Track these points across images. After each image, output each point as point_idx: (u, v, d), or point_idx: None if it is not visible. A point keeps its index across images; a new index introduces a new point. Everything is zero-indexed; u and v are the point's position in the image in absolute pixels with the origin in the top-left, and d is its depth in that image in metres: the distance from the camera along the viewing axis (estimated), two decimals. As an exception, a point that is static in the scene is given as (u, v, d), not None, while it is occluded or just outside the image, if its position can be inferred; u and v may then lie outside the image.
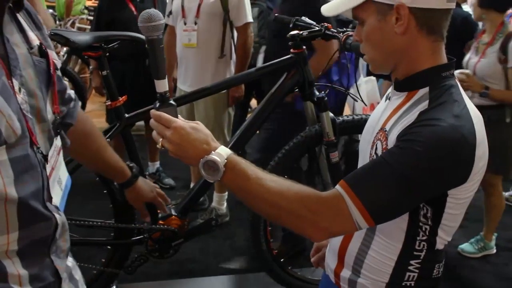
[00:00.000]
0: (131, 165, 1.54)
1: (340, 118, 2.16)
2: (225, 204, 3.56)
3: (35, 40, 1.00)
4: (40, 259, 0.97)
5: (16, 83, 0.89)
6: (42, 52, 0.99)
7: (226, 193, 3.54)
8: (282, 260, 2.21)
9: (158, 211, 1.94)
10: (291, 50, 2.12)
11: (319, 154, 2.17)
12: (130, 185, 1.55)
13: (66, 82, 1.18)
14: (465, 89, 2.79)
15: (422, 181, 1.00)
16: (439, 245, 1.13)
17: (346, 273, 1.22)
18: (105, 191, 1.93)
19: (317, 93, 2.12)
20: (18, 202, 0.87)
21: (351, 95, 2.27)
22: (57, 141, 1.06)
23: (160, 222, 1.94)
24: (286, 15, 2.35)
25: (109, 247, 2.09)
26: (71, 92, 1.21)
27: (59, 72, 1.10)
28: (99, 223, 2.02)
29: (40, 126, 0.96)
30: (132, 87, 3.34)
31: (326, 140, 2.10)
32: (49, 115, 1.00)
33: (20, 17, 0.98)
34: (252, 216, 2.13)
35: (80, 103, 1.27)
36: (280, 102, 2.16)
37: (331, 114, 2.11)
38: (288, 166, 2.13)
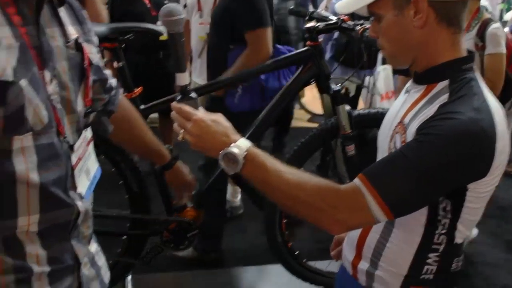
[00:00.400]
0: (170, 147, 1.59)
1: (356, 111, 2.17)
2: (239, 197, 3.58)
3: (73, 34, 1.03)
4: (60, 242, 0.99)
5: (48, 75, 0.92)
6: (78, 46, 1.02)
7: (240, 186, 3.57)
8: (297, 252, 2.22)
9: (173, 202, 1.97)
10: (308, 43, 2.14)
11: (335, 147, 2.18)
12: (170, 167, 1.61)
13: (108, 72, 1.24)
14: None
15: (441, 174, 1.00)
16: (458, 239, 1.14)
17: (363, 265, 1.23)
18: (120, 182, 1.95)
19: (333, 86, 2.13)
20: (39, 187, 0.91)
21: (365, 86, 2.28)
22: (87, 133, 1.09)
23: (176, 213, 1.96)
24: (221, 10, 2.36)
25: (124, 237, 2.12)
26: (112, 81, 1.26)
27: (99, 64, 1.14)
28: (114, 214, 2.05)
29: (69, 117, 0.99)
30: (146, 79, 3.35)
31: (342, 133, 2.10)
32: (79, 107, 1.03)
33: (62, 11, 1.01)
34: (268, 209, 2.15)
35: (122, 91, 1.33)
36: (296, 95, 2.18)
37: (347, 107, 2.12)
38: (303, 159, 2.14)
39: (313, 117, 5.79)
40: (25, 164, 0.88)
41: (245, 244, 3.26)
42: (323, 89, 2.14)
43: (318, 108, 5.73)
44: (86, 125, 1.09)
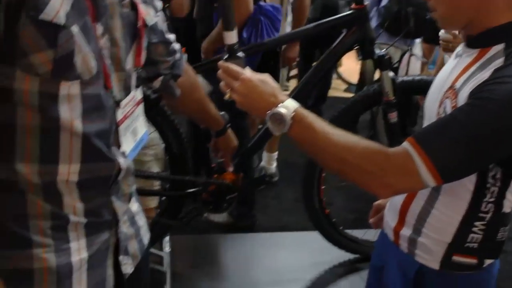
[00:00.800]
0: (222, 113, 1.63)
1: (400, 78, 2.14)
2: (275, 164, 3.61)
3: None
4: (99, 196, 1.02)
5: (100, 28, 0.94)
6: (133, 6, 1.04)
7: (276, 153, 3.59)
8: (334, 220, 2.23)
9: (213, 165, 2.00)
10: (352, 6, 2.10)
11: (377, 114, 2.16)
12: (224, 132, 1.65)
13: (172, 36, 1.26)
14: (451, 51, 2.66)
15: (494, 140, 0.98)
16: (507, 208, 1.13)
17: (406, 231, 1.23)
18: (162, 143, 1.99)
19: (377, 51, 2.10)
20: (82, 137, 0.93)
21: (413, 53, 2.24)
22: (137, 93, 1.11)
23: (215, 175, 2.00)
24: None
25: (164, 198, 2.18)
26: (176, 45, 1.28)
27: (161, 27, 1.18)
28: (155, 175, 2.10)
29: (118, 74, 1.01)
30: (187, 40, 3.37)
31: (385, 100, 2.08)
32: (129, 66, 1.04)
33: None
34: (305, 174, 2.16)
35: (186, 56, 1.36)
36: (338, 60, 2.16)
37: (391, 73, 2.09)
38: (344, 125, 2.12)
39: (350, 87, 5.75)
40: (70, 112, 0.90)
41: (279, 211, 3.30)
42: (367, 54, 2.11)
43: (354, 79, 5.71)
44: (137, 85, 1.10)
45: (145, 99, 1.18)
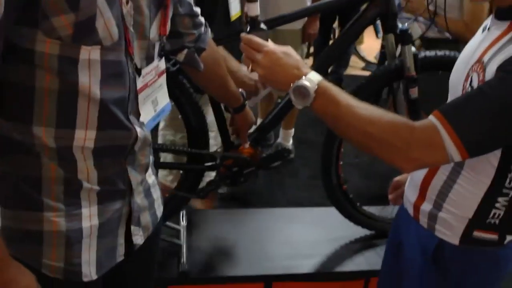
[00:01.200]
0: (241, 91, 1.65)
1: (422, 53, 2.12)
2: (291, 141, 3.62)
3: None
4: (114, 165, 1.03)
5: None
6: None
7: (293, 129, 3.59)
8: (351, 196, 2.24)
9: (231, 139, 2.01)
10: None
11: (398, 89, 2.15)
12: (242, 109, 1.68)
13: (198, 9, 1.27)
14: (411, 11, 2.53)
15: None
16: (531, 184, 1.13)
17: (426, 206, 1.24)
18: (179, 117, 2.00)
19: (400, 25, 2.08)
20: (100, 103, 0.94)
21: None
22: (160, 63, 1.11)
23: (233, 149, 2.01)
24: None
25: (182, 171, 2.20)
26: (201, 18, 1.30)
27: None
28: (173, 148, 2.12)
29: (140, 42, 1.01)
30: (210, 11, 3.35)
31: (407, 75, 2.06)
32: (152, 35, 1.05)
33: None
34: (324, 151, 2.16)
35: (209, 30, 1.37)
36: (360, 33, 2.15)
37: (413, 48, 2.07)
38: (363, 100, 2.12)
39: (367, 65, 5.72)
40: (89, 78, 0.91)
41: (295, 188, 3.32)
42: (389, 28, 2.09)
43: (372, 57, 5.67)
44: (160, 55, 1.11)
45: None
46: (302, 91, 1.06)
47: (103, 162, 1.00)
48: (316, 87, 1.06)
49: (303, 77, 1.06)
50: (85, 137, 0.96)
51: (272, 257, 2.12)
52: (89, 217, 1.01)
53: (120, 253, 1.10)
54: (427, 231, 1.24)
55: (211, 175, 2.21)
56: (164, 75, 1.15)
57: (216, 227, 2.29)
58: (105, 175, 1.02)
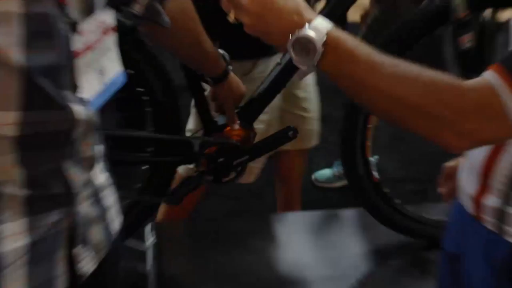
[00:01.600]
0: (222, 52, 1.66)
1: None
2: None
3: None
4: (46, 159, 1.01)
5: None
6: None
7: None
8: (386, 191, 2.21)
9: (215, 118, 1.99)
10: None
11: (444, 38, 2.14)
12: (225, 78, 1.69)
13: None
14: None
15: None
16: None
17: (492, 200, 1.23)
18: (141, 89, 1.97)
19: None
20: (22, 73, 0.92)
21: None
22: (106, 17, 1.11)
23: (217, 133, 1.99)
24: None
25: (145, 167, 2.17)
26: None
27: None
28: (133, 135, 2.09)
29: None
30: None
31: (455, 18, 2.05)
32: None
33: None
34: (344, 128, 2.14)
35: None
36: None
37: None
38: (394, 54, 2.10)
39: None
40: (7, 37, 0.89)
41: (309, 183, 3.33)
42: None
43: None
44: (107, 5, 1.10)
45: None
46: (305, 44, 1.05)
47: (31, 155, 0.98)
48: (325, 38, 1.04)
49: (306, 25, 1.05)
50: (3, 121, 0.93)
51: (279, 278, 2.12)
52: (13, 236, 0.99)
53: (62, 287, 1.08)
54: (494, 235, 1.24)
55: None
56: (114, 34, 1.15)
57: (196, 246, 2.26)
58: (34, 175, 1.00)
